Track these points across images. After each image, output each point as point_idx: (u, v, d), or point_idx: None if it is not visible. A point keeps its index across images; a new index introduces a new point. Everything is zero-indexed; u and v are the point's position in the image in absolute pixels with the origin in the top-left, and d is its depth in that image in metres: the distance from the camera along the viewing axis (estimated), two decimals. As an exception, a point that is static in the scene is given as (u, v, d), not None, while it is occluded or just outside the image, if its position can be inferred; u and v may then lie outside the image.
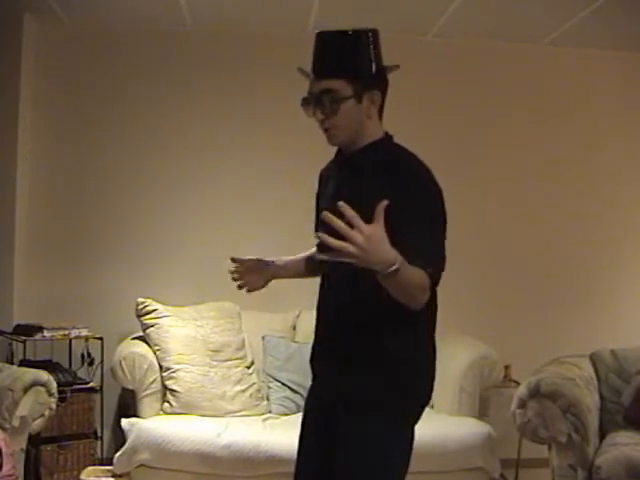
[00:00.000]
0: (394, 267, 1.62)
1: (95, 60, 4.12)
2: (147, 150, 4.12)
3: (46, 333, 3.58)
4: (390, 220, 1.62)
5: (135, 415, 3.35)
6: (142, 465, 3.13)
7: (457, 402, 3.46)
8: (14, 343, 3.64)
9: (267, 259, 2.27)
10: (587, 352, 3.34)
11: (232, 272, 2.27)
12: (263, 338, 3.72)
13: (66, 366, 3.74)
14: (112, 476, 3.25)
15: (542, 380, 2.84)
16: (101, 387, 3.65)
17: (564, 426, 2.75)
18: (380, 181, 1.87)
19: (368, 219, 1.58)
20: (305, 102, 1.98)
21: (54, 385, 3.09)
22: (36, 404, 2.99)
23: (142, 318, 3.56)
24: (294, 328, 3.85)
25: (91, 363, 3.72)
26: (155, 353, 3.48)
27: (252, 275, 2.25)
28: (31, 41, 3.99)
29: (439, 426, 3.27)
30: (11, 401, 2.88)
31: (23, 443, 3.00)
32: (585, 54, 4.39)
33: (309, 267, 2.27)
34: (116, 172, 4.10)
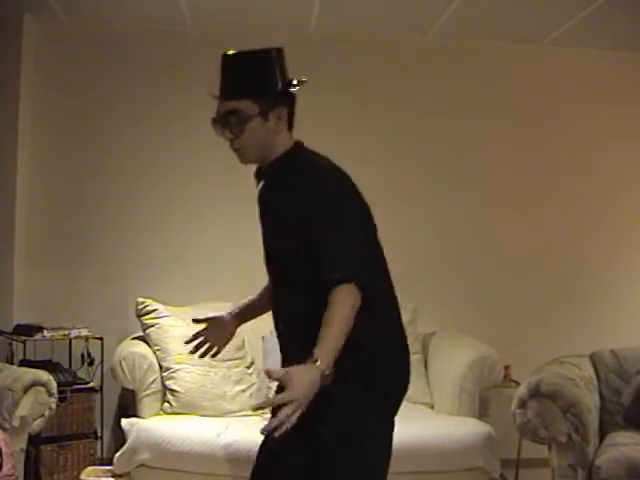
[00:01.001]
0: (327, 372, 1.65)
1: (95, 60, 4.12)
2: (147, 150, 4.12)
3: (46, 333, 3.58)
4: (300, 230, 1.72)
5: (135, 415, 3.35)
6: (142, 465, 3.13)
7: (457, 402, 3.46)
8: (14, 343, 3.64)
9: (221, 314, 2.28)
10: (587, 352, 3.34)
11: (190, 341, 2.28)
12: (263, 338, 3.72)
13: (66, 366, 3.74)
14: (112, 476, 3.25)
15: (542, 380, 2.84)
16: (101, 387, 3.65)
17: (564, 426, 2.75)
18: (286, 193, 1.92)
19: (282, 235, 1.73)
20: (214, 122, 2.02)
21: (54, 385, 3.09)
22: (36, 404, 2.99)
23: (142, 318, 3.56)
24: (294, 328, 3.85)
25: (91, 363, 3.72)
26: (155, 353, 3.48)
27: (214, 336, 2.27)
28: (31, 41, 3.99)
29: (439, 426, 3.28)
30: (11, 401, 2.88)
31: (23, 443, 2.99)
32: (585, 54, 4.39)
33: (264, 295, 2.30)
34: (116, 172, 4.10)
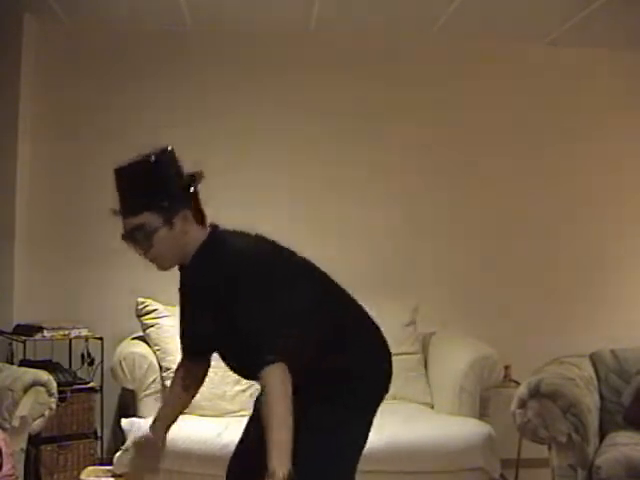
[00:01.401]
0: (288, 474, 1.68)
1: (95, 60, 4.12)
2: (147, 149, 4.11)
3: (46, 333, 3.58)
4: (224, 312, 1.81)
5: (135, 415, 3.34)
6: (142, 465, 3.13)
7: (457, 402, 3.46)
8: (14, 343, 3.64)
9: (146, 434, 2.17)
10: (587, 352, 3.34)
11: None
12: (263, 338, 3.71)
13: (66, 366, 3.74)
14: (112, 476, 3.24)
15: (542, 380, 2.84)
16: (101, 387, 3.65)
17: (564, 426, 2.75)
18: (208, 282, 1.94)
19: (212, 319, 1.85)
20: (123, 238, 1.99)
21: (54, 385, 3.09)
22: (36, 404, 2.99)
23: (142, 318, 3.56)
24: (294, 328, 3.85)
25: (91, 363, 3.72)
26: (155, 353, 3.48)
27: (147, 457, 2.14)
28: (31, 41, 3.99)
29: (439, 426, 3.28)
30: (11, 401, 2.88)
31: (23, 443, 2.99)
32: (585, 54, 4.39)
33: (186, 384, 2.25)
34: (116, 172, 4.10)
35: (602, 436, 2.95)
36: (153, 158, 1.95)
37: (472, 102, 4.33)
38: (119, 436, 3.40)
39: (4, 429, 2.82)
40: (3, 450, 2.59)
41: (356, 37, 4.18)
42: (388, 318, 3.76)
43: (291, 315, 1.89)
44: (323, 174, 4.21)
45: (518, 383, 3.52)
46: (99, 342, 3.67)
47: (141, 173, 1.95)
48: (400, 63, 4.26)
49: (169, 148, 1.99)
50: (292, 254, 2.08)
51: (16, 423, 2.89)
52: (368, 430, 2.01)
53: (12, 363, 3.51)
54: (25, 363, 3.45)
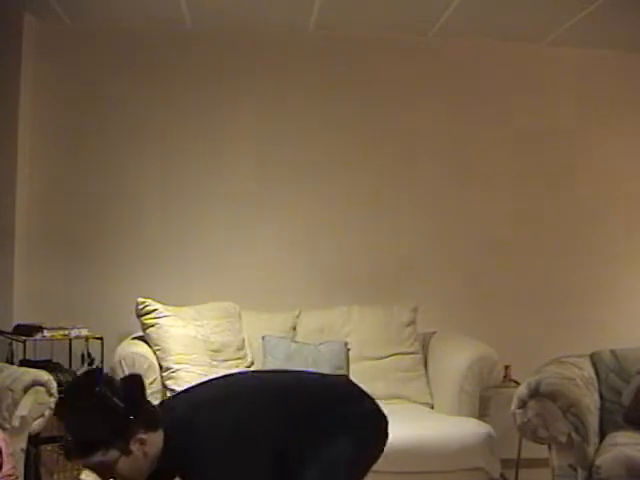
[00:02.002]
0: None
1: (95, 59, 4.12)
2: (148, 150, 4.12)
3: (46, 333, 3.58)
4: None
5: (135, 415, 3.34)
6: (142, 465, 3.12)
7: (457, 402, 3.46)
8: (14, 343, 3.64)
9: None
10: (587, 352, 3.34)
11: None
12: (263, 338, 3.71)
13: (66, 366, 3.74)
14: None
15: (542, 380, 2.83)
16: (101, 387, 3.64)
17: (564, 426, 2.74)
18: None
19: None
20: (85, 468, 1.95)
21: (54, 385, 3.09)
22: (36, 404, 2.98)
23: (142, 318, 3.55)
24: (294, 328, 3.84)
25: (91, 363, 3.72)
26: (155, 353, 3.48)
27: None
28: (31, 41, 3.99)
29: (439, 426, 3.27)
30: (11, 401, 2.88)
31: (23, 443, 2.99)
32: (585, 54, 4.39)
33: None
34: (116, 173, 4.10)
35: (602, 436, 2.95)
36: (88, 394, 1.87)
37: (472, 101, 4.33)
38: (119, 436, 3.40)
39: (4, 429, 2.82)
40: (3, 450, 2.58)
41: (356, 37, 4.18)
42: (388, 318, 3.80)
43: None
44: (323, 174, 4.21)
45: (518, 383, 3.52)
46: (99, 342, 3.67)
47: (87, 410, 1.86)
48: (400, 63, 4.27)
49: (104, 373, 1.97)
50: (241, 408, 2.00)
51: (16, 423, 2.89)
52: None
53: (12, 363, 3.50)
54: (25, 363, 3.45)
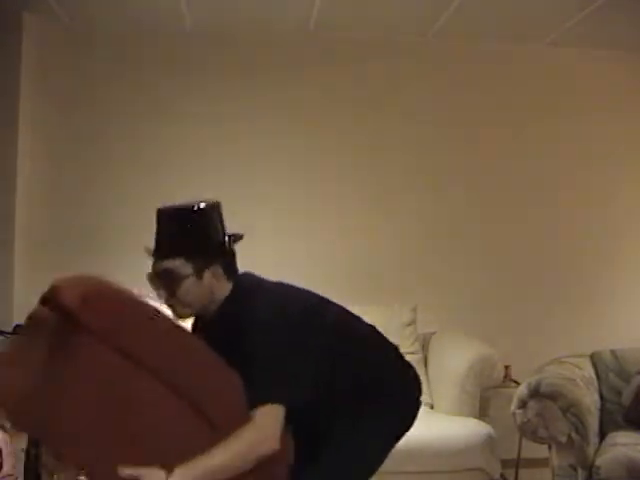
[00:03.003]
0: None
1: (95, 59, 4.11)
2: (148, 150, 4.12)
3: (46, 333, 3.57)
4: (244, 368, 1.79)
5: (135, 415, 3.33)
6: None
7: (457, 402, 3.46)
8: (14, 343, 3.63)
9: None
10: (587, 352, 3.34)
11: None
12: (263, 338, 3.71)
13: (66, 366, 3.73)
14: (112, 476, 3.24)
15: (542, 380, 2.84)
16: (101, 387, 3.64)
17: (564, 426, 2.75)
18: (232, 339, 1.90)
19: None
20: (149, 279, 1.98)
21: (54, 385, 3.08)
22: (36, 404, 2.98)
23: (142, 318, 3.55)
24: (294, 328, 3.85)
25: (91, 363, 3.71)
26: (155, 353, 3.47)
27: None
28: (31, 41, 3.99)
29: (439, 426, 3.28)
30: (11, 401, 2.88)
31: (23, 443, 2.99)
32: (585, 54, 4.39)
33: None
34: (116, 172, 4.10)
35: (602, 436, 2.96)
36: (198, 207, 1.94)
37: (471, 101, 4.32)
38: (119, 436, 3.40)
39: (4, 429, 2.82)
40: (3, 450, 2.59)
41: (356, 37, 4.18)
42: (388, 318, 3.79)
43: (303, 388, 1.87)
44: (323, 174, 4.21)
45: (518, 383, 3.52)
46: (99, 342, 3.66)
47: (183, 219, 1.94)
48: (400, 63, 4.26)
49: (216, 202, 1.99)
50: (323, 316, 2.02)
51: (16, 423, 2.88)
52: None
53: (12, 363, 3.50)
54: (25, 363, 3.44)
